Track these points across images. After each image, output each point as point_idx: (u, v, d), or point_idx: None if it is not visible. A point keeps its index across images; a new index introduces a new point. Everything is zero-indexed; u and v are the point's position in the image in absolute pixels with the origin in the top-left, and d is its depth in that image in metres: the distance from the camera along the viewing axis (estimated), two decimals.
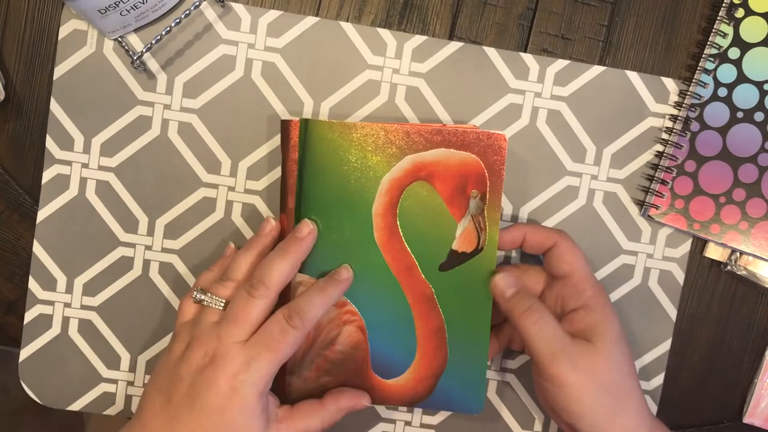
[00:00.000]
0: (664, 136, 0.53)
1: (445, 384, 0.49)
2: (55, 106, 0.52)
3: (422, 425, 0.54)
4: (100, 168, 0.52)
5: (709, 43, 0.52)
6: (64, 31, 0.51)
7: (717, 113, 0.52)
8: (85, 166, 0.52)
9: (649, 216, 0.53)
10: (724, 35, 0.52)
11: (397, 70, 0.52)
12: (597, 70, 0.53)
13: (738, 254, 0.53)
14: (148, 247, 0.53)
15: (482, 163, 0.47)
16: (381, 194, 0.48)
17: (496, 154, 0.47)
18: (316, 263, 0.48)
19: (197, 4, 0.50)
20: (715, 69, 0.52)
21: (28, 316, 0.53)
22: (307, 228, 0.47)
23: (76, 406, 0.53)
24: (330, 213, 0.48)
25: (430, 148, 0.47)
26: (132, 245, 0.53)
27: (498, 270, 0.48)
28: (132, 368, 0.53)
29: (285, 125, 0.49)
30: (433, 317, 0.48)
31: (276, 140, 0.52)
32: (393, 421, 0.54)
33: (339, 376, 0.48)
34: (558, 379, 0.44)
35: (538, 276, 0.50)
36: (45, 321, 0.53)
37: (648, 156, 0.53)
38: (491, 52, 0.52)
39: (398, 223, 0.48)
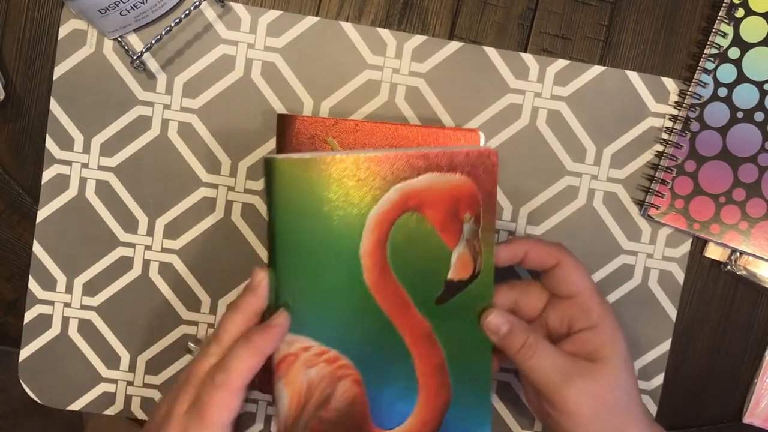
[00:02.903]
0: (664, 136, 0.53)
1: (450, 419, 0.46)
2: (55, 106, 0.52)
3: None
4: (100, 168, 0.52)
5: (709, 43, 0.52)
6: (64, 30, 0.51)
7: (717, 113, 0.52)
8: (84, 166, 0.52)
9: (649, 216, 0.53)
10: (724, 35, 0.52)
11: (397, 70, 0.52)
12: (597, 70, 0.53)
13: (738, 254, 0.53)
14: (148, 247, 0.53)
15: (474, 183, 0.44)
16: (368, 231, 0.43)
17: (487, 172, 0.44)
18: (303, 315, 0.43)
19: (197, 4, 0.50)
20: (715, 69, 0.52)
21: (28, 316, 0.53)
22: (283, 316, 0.43)
23: (76, 406, 0.53)
24: (313, 259, 0.43)
25: (417, 175, 0.43)
26: (132, 245, 0.53)
27: (492, 302, 0.46)
28: (132, 368, 0.53)
29: (281, 119, 0.49)
30: (433, 355, 0.45)
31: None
32: None
33: None
34: (565, 407, 0.43)
35: (540, 293, 0.48)
36: (45, 321, 0.53)
37: (648, 156, 0.53)
38: (491, 52, 0.52)
39: (389, 260, 0.44)
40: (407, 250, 0.44)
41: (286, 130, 0.49)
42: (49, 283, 0.52)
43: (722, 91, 0.52)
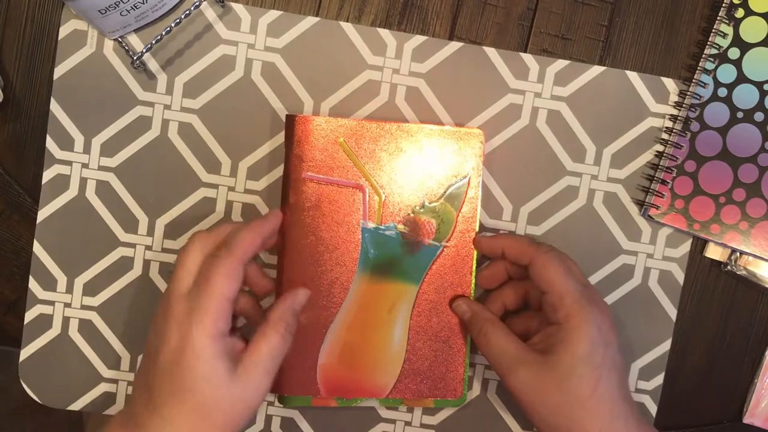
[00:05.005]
0: (664, 136, 0.53)
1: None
2: (55, 106, 0.52)
3: (422, 425, 0.54)
4: (100, 168, 0.52)
5: (709, 43, 0.52)
6: (64, 31, 0.51)
7: (717, 113, 0.52)
8: (85, 166, 0.52)
9: (649, 216, 0.53)
10: (724, 35, 0.52)
11: (397, 70, 0.52)
12: (597, 70, 0.53)
13: (738, 254, 0.53)
14: (148, 247, 0.53)
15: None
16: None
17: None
18: None
19: (197, 4, 0.50)
20: (715, 69, 0.52)
21: (28, 316, 0.53)
22: (277, 213, 0.48)
23: (76, 406, 0.53)
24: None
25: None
26: (132, 245, 0.53)
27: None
28: (132, 368, 0.53)
29: (290, 120, 0.49)
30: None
31: (276, 140, 0.52)
32: (393, 421, 0.54)
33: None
34: (512, 393, 0.46)
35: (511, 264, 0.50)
36: (45, 321, 0.53)
37: (648, 156, 0.53)
38: (491, 52, 0.52)
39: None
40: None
41: (294, 130, 0.49)
42: (49, 283, 0.52)
43: (722, 91, 0.52)
